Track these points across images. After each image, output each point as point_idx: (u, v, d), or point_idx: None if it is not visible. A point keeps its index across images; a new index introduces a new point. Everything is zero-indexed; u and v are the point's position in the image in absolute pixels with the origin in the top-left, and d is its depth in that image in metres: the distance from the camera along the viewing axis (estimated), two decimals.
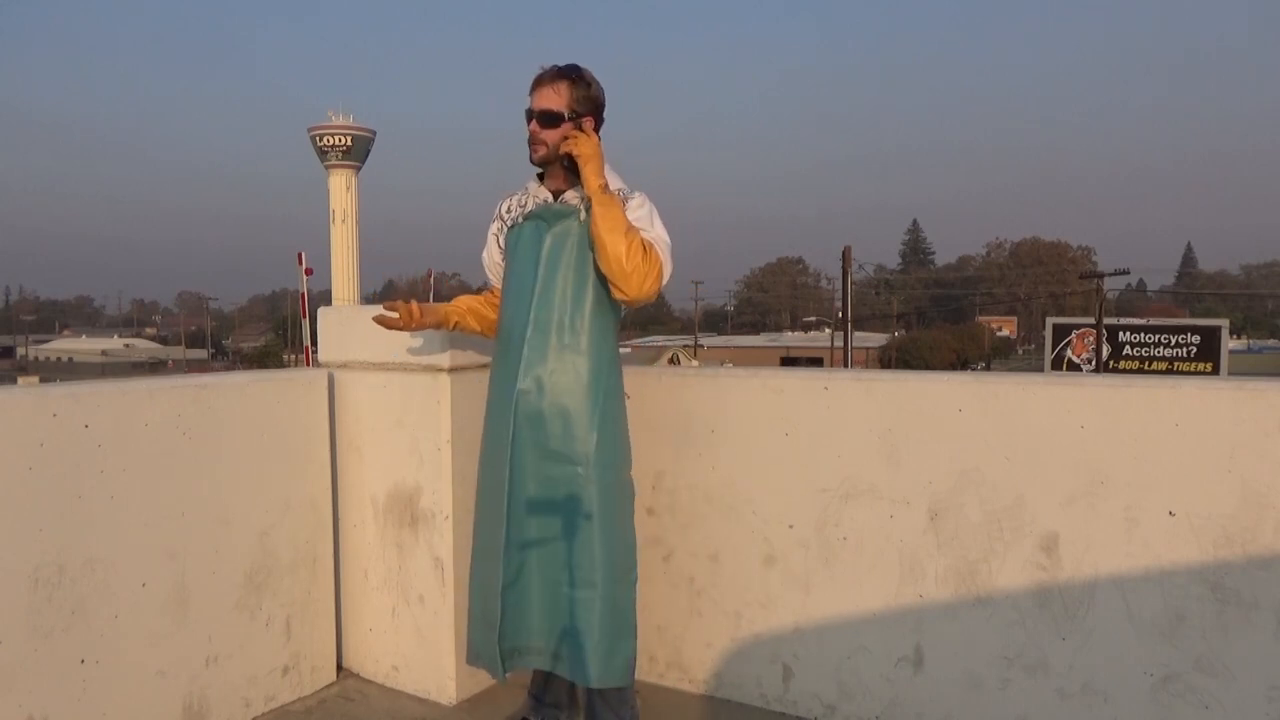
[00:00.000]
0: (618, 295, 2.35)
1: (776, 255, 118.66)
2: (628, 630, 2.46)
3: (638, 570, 2.53)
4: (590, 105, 2.43)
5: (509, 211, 2.57)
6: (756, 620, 2.90)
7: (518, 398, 2.42)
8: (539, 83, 2.42)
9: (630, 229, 2.31)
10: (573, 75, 2.41)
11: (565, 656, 2.43)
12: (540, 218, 2.46)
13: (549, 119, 2.39)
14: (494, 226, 2.61)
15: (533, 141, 2.43)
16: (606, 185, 2.34)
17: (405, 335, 2.89)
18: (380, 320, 2.52)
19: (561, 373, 2.41)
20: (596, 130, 2.47)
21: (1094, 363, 25.01)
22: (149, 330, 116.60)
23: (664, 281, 2.38)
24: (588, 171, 2.34)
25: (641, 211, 2.41)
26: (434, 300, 2.81)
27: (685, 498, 3.00)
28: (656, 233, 2.40)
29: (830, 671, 2.78)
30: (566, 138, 2.38)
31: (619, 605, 2.43)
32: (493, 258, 2.64)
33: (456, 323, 2.67)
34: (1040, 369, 30.36)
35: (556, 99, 2.39)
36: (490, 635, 2.47)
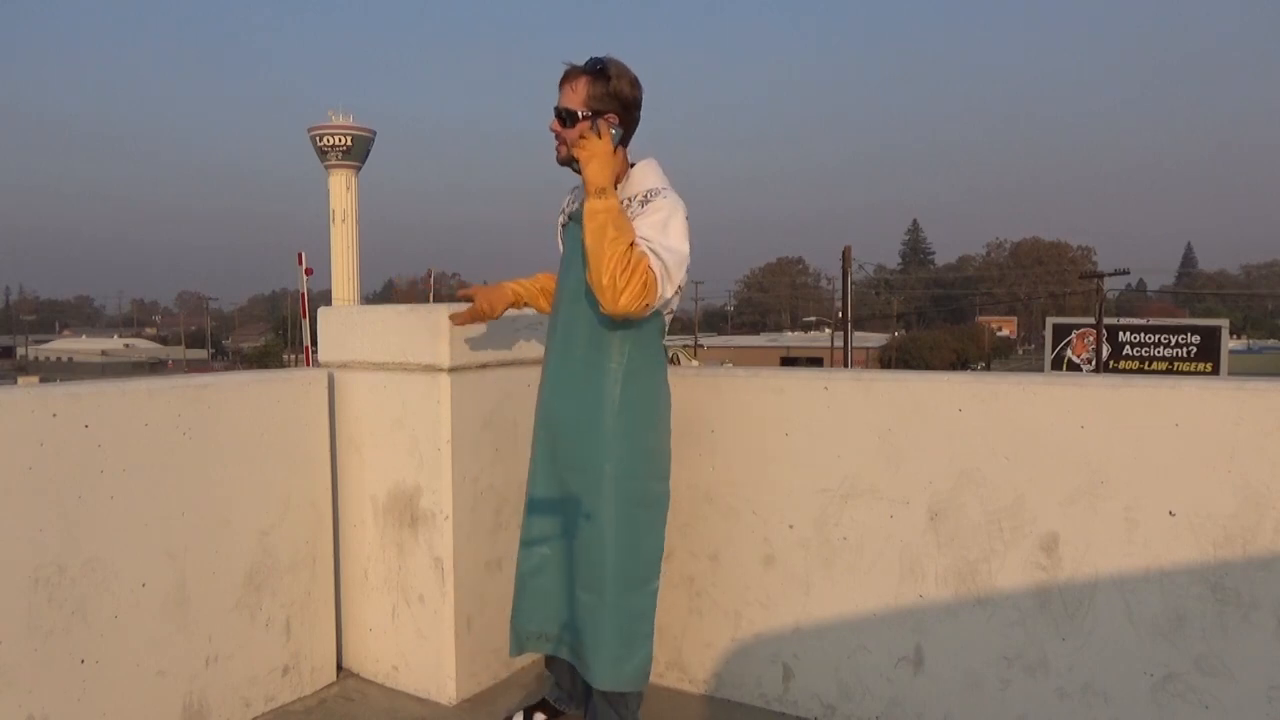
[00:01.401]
0: (600, 309, 2.21)
1: (776, 255, 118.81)
2: (640, 638, 2.41)
3: (659, 581, 2.48)
4: (613, 102, 2.28)
5: (566, 213, 2.52)
6: (756, 620, 2.90)
7: (544, 403, 2.45)
8: (562, 80, 2.32)
9: (616, 238, 2.14)
10: (593, 71, 2.28)
11: (576, 651, 2.46)
12: (577, 220, 2.39)
13: (566, 117, 2.30)
14: (560, 218, 2.56)
15: (556, 141, 2.36)
16: (605, 189, 2.20)
17: (406, 335, 2.91)
18: (459, 321, 2.65)
19: (582, 381, 2.37)
20: (629, 128, 2.35)
21: (1094, 363, 25.02)
22: (149, 330, 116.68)
23: (658, 296, 2.20)
24: (586, 173, 2.23)
25: (656, 217, 2.25)
26: (433, 300, 2.83)
27: (685, 498, 3.00)
28: (666, 242, 2.22)
29: (830, 671, 2.78)
30: (582, 137, 2.27)
31: (630, 613, 2.39)
32: (560, 250, 2.60)
33: (526, 302, 2.67)
34: (1040, 369, 30.36)
35: (574, 96, 2.29)
36: (513, 613, 2.55)
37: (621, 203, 2.32)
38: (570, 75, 2.31)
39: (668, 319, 2.48)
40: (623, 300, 2.14)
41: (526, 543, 2.51)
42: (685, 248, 2.26)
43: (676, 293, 2.36)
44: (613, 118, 2.29)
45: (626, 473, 2.37)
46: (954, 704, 2.59)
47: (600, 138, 2.25)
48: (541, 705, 2.74)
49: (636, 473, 2.39)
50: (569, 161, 2.35)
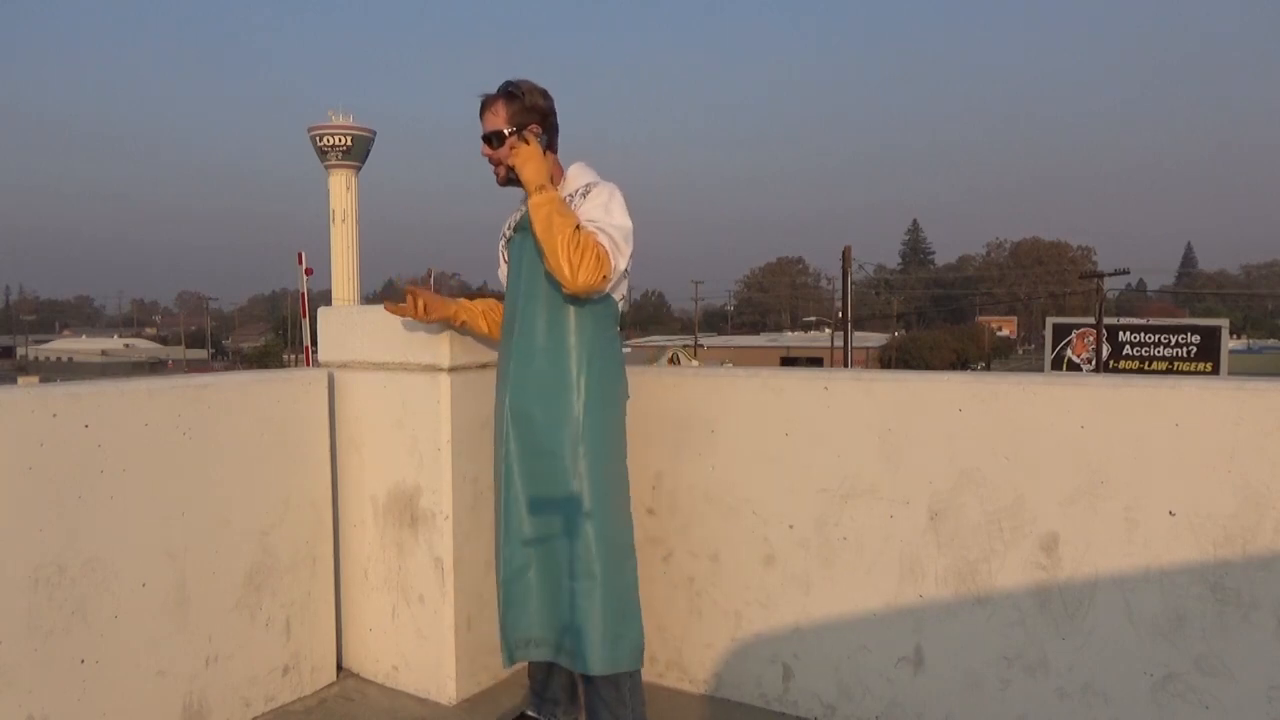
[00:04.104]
0: (563, 289, 2.37)
1: (776, 255, 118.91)
2: (632, 613, 2.47)
3: (636, 558, 2.53)
4: (531, 115, 2.49)
5: (510, 228, 2.66)
6: (756, 620, 2.90)
7: (508, 398, 2.51)
8: (481, 110, 2.51)
9: (563, 223, 2.32)
10: (507, 92, 2.49)
11: (567, 648, 2.46)
12: (525, 229, 2.53)
13: (495, 139, 2.49)
14: (501, 242, 2.70)
15: (491, 164, 2.53)
16: (544, 185, 2.39)
17: (406, 335, 2.91)
18: (390, 309, 2.70)
19: (545, 370, 2.46)
20: (551, 133, 2.54)
21: (1094, 363, 25.02)
22: (149, 330, 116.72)
23: (612, 269, 2.36)
24: (525, 176, 2.41)
25: (597, 201, 2.44)
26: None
27: (685, 498, 3.00)
28: (611, 220, 2.40)
29: (830, 671, 2.78)
30: (512, 148, 2.46)
31: (620, 590, 2.45)
32: (501, 271, 2.73)
33: (464, 321, 2.79)
34: (1040, 369, 30.35)
35: (496, 119, 2.49)
36: (500, 623, 2.54)
37: (564, 200, 2.49)
38: (488, 103, 2.51)
39: (621, 305, 2.58)
40: (581, 276, 2.31)
41: (507, 544, 2.51)
42: (629, 223, 2.45)
43: (625, 276, 2.53)
44: (535, 128, 2.50)
45: (595, 452, 2.44)
46: (954, 704, 2.59)
47: (529, 144, 2.45)
48: (520, 719, 2.73)
49: (605, 452, 2.47)
50: (509, 181, 2.52)
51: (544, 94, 2.52)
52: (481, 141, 2.52)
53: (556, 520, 2.45)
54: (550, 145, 2.54)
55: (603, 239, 2.36)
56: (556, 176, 2.56)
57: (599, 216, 2.41)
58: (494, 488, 2.60)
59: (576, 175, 2.55)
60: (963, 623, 2.57)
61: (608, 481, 2.47)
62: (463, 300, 2.81)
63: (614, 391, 2.53)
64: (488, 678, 3.06)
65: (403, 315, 2.69)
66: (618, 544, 2.47)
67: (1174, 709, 2.33)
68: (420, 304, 2.66)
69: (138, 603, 2.50)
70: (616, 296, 2.54)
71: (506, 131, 2.48)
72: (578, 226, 2.35)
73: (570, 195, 2.50)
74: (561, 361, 2.45)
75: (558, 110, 2.56)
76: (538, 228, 2.35)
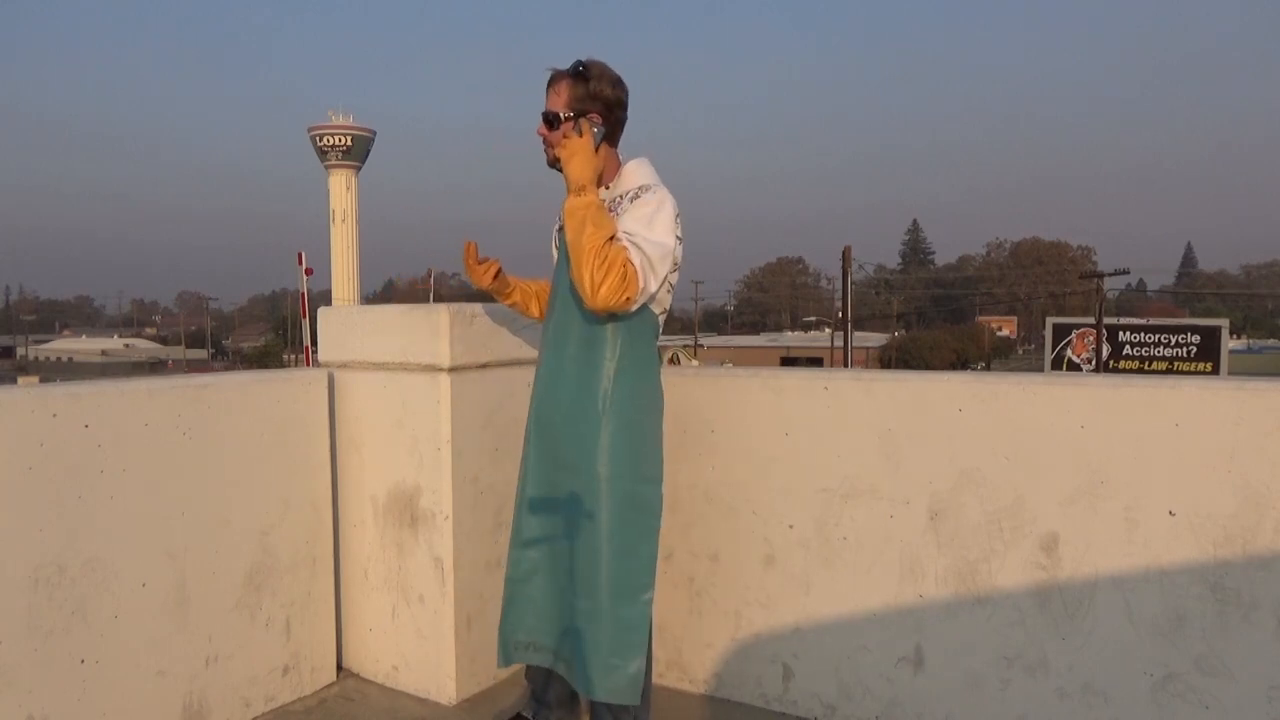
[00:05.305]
0: (583, 305, 2.24)
1: (776, 255, 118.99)
2: (634, 649, 2.33)
3: (654, 591, 2.40)
4: (594, 103, 2.32)
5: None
6: (756, 620, 2.90)
7: (534, 405, 2.44)
8: (547, 85, 2.36)
9: (594, 233, 2.17)
10: (574, 74, 2.32)
11: (569, 662, 2.40)
12: None
13: (551, 120, 2.34)
14: (554, 228, 2.58)
15: (545, 145, 2.39)
16: (585, 186, 2.23)
17: (406, 335, 2.91)
18: (470, 251, 2.54)
19: (574, 382, 2.35)
20: (615, 126, 2.38)
21: (1094, 363, 25.02)
22: (149, 330, 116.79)
23: (639, 290, 2.20)
24: (568, 171, 2.25)
25: (643, 211, 2.28)
26: (433, 300, 2.83)
27: (685, 498, 3.00)
28: (651, 235, 2.24)
29: (830, 671, 2.78)
30: (565, 136, 2.30)
31: (626, 623, 2.32)
32: (553, 258, 2.62)
33: (515, 303, 2.71)
34: (1040, 369, 30.35)
35: (557, 100, 2.34)
36: (501, 621, 2.50)
37: (613, 200, 2.37)
38: (554, 80, 2.35)
39: (660, 318, 2.45)
40: (601, 294, 2.16)
41: (516, 546, 2.46)
42: (670, 241, 2.28)
43: (669, 290, 2.39)
44: (595, 117, 2.33)
45: (618, 473, 2.33)
46: (954, 704, 2.59)
47: (582, 136, 2.28)
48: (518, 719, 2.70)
49: (628, 473, 2.35)
50: (557, 164, 2.36)
51: (615, 82, 2.34)
52: (540, 117, 2.36)
53: (569, 536, 2.36)
54: (610, 138, 2.37)
55: (635, 256, 2.19)
56: (610, 172, 2.39)
57: (638, 230, 2.23)
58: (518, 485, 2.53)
59: (632, 174, 2.38)
60: (963, 623, 2.57)
61: (629, 506, 2.34)
62: (521, 282, 2.69)
63: (646, 410, 2.40)
64: (488, 678, 3.06)
65: (475, 266, 2.56)
66: (629, 576, 2.33)
67: (1174, 709, 2.33)
68: (475, 259, 2.53)
69: (138, 603, 2.50)
70: (657, 310, 2.40)
71: (564, 115, 2.31)
72: (612, 238, 2.19)
73: (619, 197, 2.35)
74: (592, 375, 2.33)
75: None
76: (569, 233, 2.21)
